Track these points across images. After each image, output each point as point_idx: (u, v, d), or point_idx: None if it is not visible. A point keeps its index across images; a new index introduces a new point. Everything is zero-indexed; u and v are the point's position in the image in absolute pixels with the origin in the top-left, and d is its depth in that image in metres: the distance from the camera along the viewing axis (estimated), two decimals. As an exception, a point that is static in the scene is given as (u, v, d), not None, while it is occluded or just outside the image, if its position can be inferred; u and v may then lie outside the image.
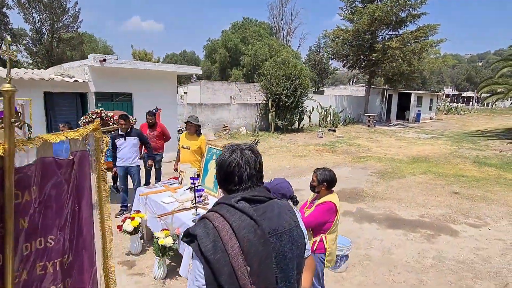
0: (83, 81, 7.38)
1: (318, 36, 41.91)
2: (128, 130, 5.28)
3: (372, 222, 5.55)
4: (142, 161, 5.87)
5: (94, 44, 41.81)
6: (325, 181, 2.73)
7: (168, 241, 3.52)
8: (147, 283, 3.61)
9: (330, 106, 20.87)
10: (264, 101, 17.37)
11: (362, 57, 22.47)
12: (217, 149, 4.38)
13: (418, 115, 25.61)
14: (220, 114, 15.75)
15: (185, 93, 26.40)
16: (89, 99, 7.92)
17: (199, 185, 4.18)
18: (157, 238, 3.56)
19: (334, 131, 18.05)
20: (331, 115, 20.62)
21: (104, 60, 7.39)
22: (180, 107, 14.35)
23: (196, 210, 3.41)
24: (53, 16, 34.57)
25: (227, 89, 25.31)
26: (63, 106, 7.26)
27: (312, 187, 2.82)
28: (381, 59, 20.39)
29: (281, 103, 16.31)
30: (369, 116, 20.95)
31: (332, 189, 2.83)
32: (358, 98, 24.67)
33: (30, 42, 34.13)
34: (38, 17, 34.62)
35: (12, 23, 34.33)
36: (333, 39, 22.19)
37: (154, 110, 9.03)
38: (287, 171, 8.91)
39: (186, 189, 4.04)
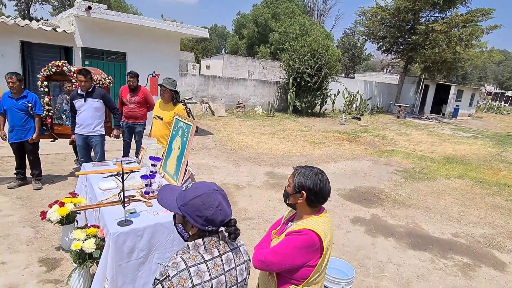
0: (64, 31, 6.35)
1: (354, 14, 39.02)
2: (90, 90, 4.21)
3: (389, 236, 4.29)
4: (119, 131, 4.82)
5: (122, 10, 41.14)
6: (305, 190, 1.51)
7: (88, 246, 2.46)
8: (58, 298, 2.60)
9: (358, 91, 19.05)
10: (284, 79, 15.90)
11: (400, 39, 20.21)
12: (185, 123, 3.22)
13: (456, 110, 23.17)
14: (235, 89, 14.52)
15: (208, 66, 25.32)
16: (75, 54, 6.92)
17: (152, 171, 3.06)
18: (73, 239, 2.51)
19: (359, 119, 16.40)
20: (358, 101, 18.84)
21: (89, 8, 6.29)
22: (191, 77, 13.25)
23: (124, 206, 2.30)
24: (82, -23, 33.89)
25: (251, 65, 23.93)
26: (43, 60, 6.30)
27: (286, 196, 1.62)
28: (421, 43, 18.15)
29: (303, 82, 14.80)
30: (400, 107, 19.00)
31: (322, 206, 1.61)
32: (390, 86, 22.53)
33: (58, 2, 33.89)
34: (68, -23, 34.20)
35: (42, -19, 34.13)
36: (370, 17, 20.00)
37: (152, 75, 7.96)
38: (294, 159, 7.67)
39: (112, 175, 2.81)
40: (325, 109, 17.23)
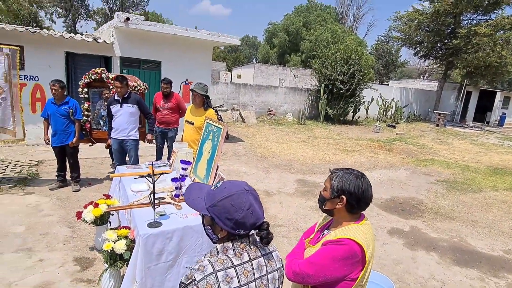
0: (104, 41, 6.70)
1: (389, 20, 38.02)
2: (126, 96, 4.34)
3: (431, 251, 3.96)
4: (148, 135, 4.94)
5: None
6: (345, 194, 1.38)
7: (119, 247, 2.47)
8: (89, 298, 2.63)
9: (393, 98, 18.33)
10: (316, 87, 15.68)
11: (439, 44, 19.26)
12: (216, 126, 3.20)
13: (503, 118, 21.56)
14: (265, 97, 14.52)
15: (239, 75, 25.68)
16: (114, 64, 7.27)
17: (183, 174, 3.06)
18: (105, 240, 2.53)
19: (394, 127, 15.72)
20: (393, 109, 18.11)
21: (128, 19, 6.59)
22: (222, 85, 13.45)
23: (154, 207, 2.29)
24: (123, -7, 36.10)
25: (282, 73, 23.93)
26: (86, 69, 6.65)
27: (322, 201, 1.49)
28: (463, 48, 17.15)
29: (335, 89, 14.50)
30: (439, 114, 18.00)
31: (362, 212, 1.47)
32: (428, 93, 21.47)
33: (101, 18, 36.18)
34: (112, -5, 36.49)
35: (88, 0, 36.71)
36: (406, 22, 19.30)
37: (185, 82, 8.15)
38: (326, 167, 7.43)
39: (143, 177, 2.80)
40: (358, 117, 16.73)
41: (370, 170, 7.53)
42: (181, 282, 1.03)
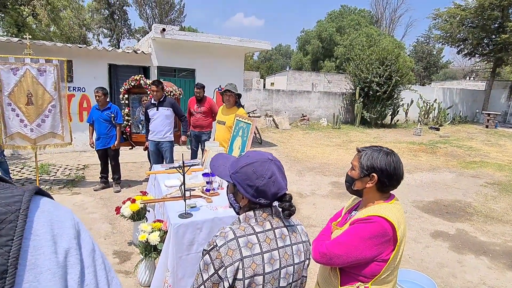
0: (142, 52, 7.09)
1: (428, 18, 36.41)
2: (161, 99, 4.54)
3: (481, 255, 3.63)
4: (183, 137, 5.11)
5: (194, 36, 44.84)
6: (376, 172, 1.31)
7: (153, 238, 2.56)
8: (127, 288, 2.73)
9: (435, 100, 17.33)
10: (350, 90, 15.29)
11: (485, 40, 17.99)
12: (245, 122, 3.23)
13: None
14: (299, 102, 14.43)
15: (272, 83, 25.85)
16: (152, 73, 7.66)
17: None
18: (140, 231, 2.63)
19: (438, 129, 14.82)
20: (435, 110, 17.10)
21: (164, 30, 6.94)
22: (255, 91, 13.59)
23: (184, 198, 2.34)
24: (161, 11, 38.26)
25: (315, 80, 23.73)
26: (126, 78, 7.10)
27: (349, 182, 1.43)
28: (513, 42, 15.89)
29: (371, 92, 14.04)
30: (488, 115, 16.69)
31: (392, 192, 1.39)
32: (475, 93, 20.02)
33: (142, 36, 38.45)
34: (150, 13, 38.82)
35: (130, 19, 39.31)
36: (447, 19, 18.31)
37: (218, 89, 8.36)
38: (364, 169, 7.16)
39: (174, 167, 2.84)
40: (397, 120, 16.00)
41: (411, 172, 7.13)
42: (203, 249, 1.03)
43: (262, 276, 1.00)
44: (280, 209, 1.12)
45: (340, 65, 32.74)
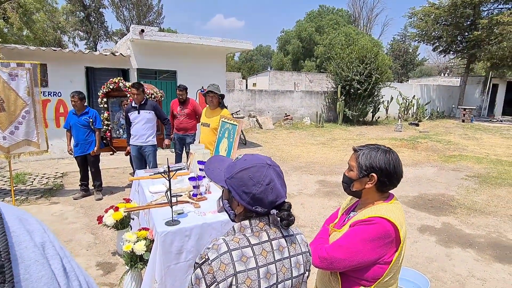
0: (121, 54, 6.88)
1: (404, 17, 37.40)
2: (143, 102, 4.39)
3: (467, 247, 3.70)
4: (166, 141, 4.96)
5: (174, 38, 44.24)
6: (375, 172, 1.27)
7: (138, 248, 2.43)
8: (111, 301, 2.59)
9: (414, 96, 17.78)
10: (332, 89, 15.46)
11: (459, 37, 18.62)
12: (231, 124, 3.15)
13: (534, 110, 20.40)
14: (281, 102, 14.44)
15: (254, 84, 25.82)
16: (131, 75, 7.44)
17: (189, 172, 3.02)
18: (124, 241, 2.50)
19: (417, 125, 15.20)
20: (414, 107, 17.55)
21: (142, 31, 6.75)
22: (238, 92, 13.51)
23: (171, 205, 2.24)
24: (139, 13, 37.55)
25: (297, 79, 23.85)
26: (105, 82, 6.87)
27: (347, 183, 1.38)
28: (485, 39, 16.50)
29: (352, 90, 14.23)
30: (464, 110, 17.28)
31: (390, 192, 1.36)
32: (451, 89, 20.70)
33: (120, 39, 37.61)
34: (128, 15, 38.02)
35: (106, 21, 38.35)
36: (422, 17, 18.83)
37: (200, 90, 8.23)
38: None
39: (159, 173, 2.76)
40: (378, 117, 16.31)
41: (395, 168, 7.23)
42: (195, 262, 0.95)
43: None
44: (278, 218, 1.04)
45: (321, 64, 33.16)
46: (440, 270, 3.20)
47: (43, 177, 5.75)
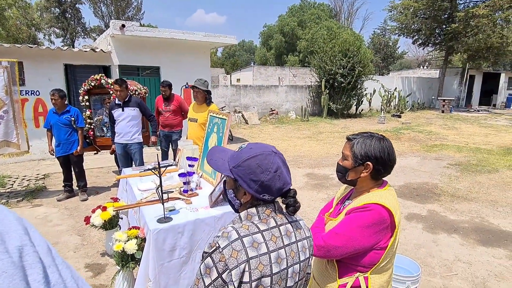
0: (101, 50, 6.67)
1: (384, 10, 37.98)
2: (126, 99, 4.28)
3: (452, 233, 3.81)
4: (153, 138, 4.86)
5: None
6: (371, 160, 1.27)
7: (129, 247, 2.38)
8: (103, 303, 2.53)
9: (395, 88, 18.15)
10: (316, 83, 15.57)
11: (437, 30, 19.10)
12: (220, 118, 3.11)
13: (509, 99, 21.24)
14: (267, 97, 14.44)
15: (238, 79, 25.69)
16: (113, 72, 7.24)
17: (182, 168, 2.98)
18: (114, 241, 2.44)
19: (399, 116, 15.53)
20: (396, 99, 17.92)
21: (123, 26, 6.57)
22: (223, 88, 13.41)
23: (162, 202, 2.19)
24: (118, 8, 36.55)
25: (281, 74, 23.90)
26: (85, 79, 6.67)
27: (342, 172, 1.38)
28: (462, 31, 16.98)
29: (336, 84, 14.38)
30: (443, 101, 17.77)
31: (384, 179, 1.37)
32: (431, 81, 21.24)
33: (98, 35, 36.54)
34: (106, 11, 36.97)
35: (84, 18, 37.14)
36: (402, 11, 19.17)
37: (185, 86, 8.11)
38: (334, 160, 7.29)
39: (149, 169, 2.71)
40: (362, 110, 16.57)
41: (380, 159, 7.38)
42: (204, 251, 0.94)
43: (269, 277, 0.93)
44: (284, 205, 1.04)
45: (304, 58, 33.33)
46: (428, 255, 3.29)
47: (23, 179, 5.54)
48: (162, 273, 2.14)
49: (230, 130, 9.77)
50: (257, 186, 0.97)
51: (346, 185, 1.47)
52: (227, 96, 13.33)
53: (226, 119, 2.99)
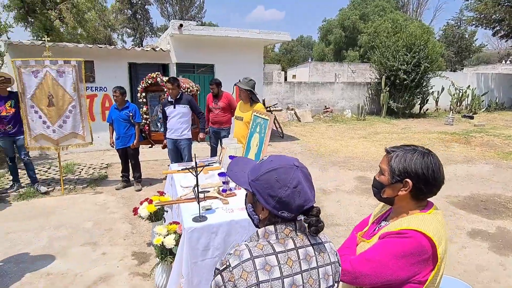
0: (161, 49, 7.06)
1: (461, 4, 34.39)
2: (178, 97, 4.46)
3: (527, 257, 3.28)
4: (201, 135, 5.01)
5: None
6: (411, 177, 1.11)
7: (168, 242, 2.47)
8: (143, 291, 2.67)
9: (469, 86, 16.29)
10: (376, 80, 14.67)
11: (524, 20, 16.68)
12: (262, 118, 3.06)
13: None
14: (321, 94, 14.03)
15: (294, 75, 25.42)
16: (171, 70, 7.64)
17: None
18: (155, 234, 2.56)
19: (472, 118, 13.93)
20: (469, 98, 16.09)
21: (181, 25, 6.87)
22: (276, 85, 13.35)
23: (198, 201, 2.22)
24: (182, 8, 38.56)
25: (339, 70, 23.04)
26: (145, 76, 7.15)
27: (377, 188, 1.23)
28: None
29: (398, 81, 13.39)
30: (529, 100, 15.49)
31: (429, 200, 1.18)
32: (513, 77, 18.65)
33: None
34: (171, 10, 39.25)
35: (151, 18, 39.88)
36: (481, -1, 17.11)
37: (237, 84, 8.22)
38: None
39: (186, 169, 2.72)
40: (427, 109, 15.21)
41: (444, 165, 6.67)
42: (216, 268, 0.90)
43: None
44: (306, 225, 0.95)
45: (364, 54, 31.65)
46: (492, 280, 2.88)
47: (89, 167, 6.15)
48: (195, 271, 2.17)
49: (281, 127, 9.69)
50: (275, 202, 0.90)
51: (383, 203, 1.31)
52: (280, 93, 13.25)
53: (268, 120, 2.94)
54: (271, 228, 0.93)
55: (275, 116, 10.08)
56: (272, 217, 0.94)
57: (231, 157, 3.10)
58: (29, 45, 6.35)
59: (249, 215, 1.03)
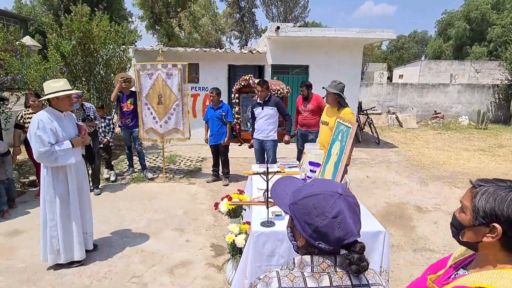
0: (257, 51, 7.33)
1: None
2: (267, 99, 4.57)
3: None
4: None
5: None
6: (500, 222, 0.86)
7: (239, 241, 2.57)
8: (215, 283, 2.83)
9: None
10: (506, 81, 12.18)
11: None
12: (345, 125, 2.87)
13: None
14: (431, 97, 12.42)
15: (401, 75, 23.22)
16: (266, 71, 7.87)
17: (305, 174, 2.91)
18: (228, 231, 2.68)
19: None
20: None
21: (278, 28, 6.99)
22: (376, 86, 12.40)
23: (267, 206, 2.23)
24: (286, 9, 39.43)
25: (458, 69, 19.99)
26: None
27: (456, 228, 1.00)
28: None
29: (538, 83, 10.83)
30: None
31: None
32: None
33: (267, 34, 40.40)
34: (276, 12, 40.55)
35: (257, 20, 41.89)
36: None
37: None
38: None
39: (257, 173, 2.68)
40: None
41: None
42: None
43: None
44: (347, 261, 0.85)
45: (494, 50, 26.62)
46: None
47: (188, 159, 6.86)
48: (259, 275, 2.19)
49: (377, 133, 8.98)
50: (311, 230, 0.83)
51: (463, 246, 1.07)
52: (381, 95, 12.27)
53: (351, 128, 2.74)
54: (307, 258, 0.85)
55: (371, 120, 9.38)
56: (309, 247, 0.86)
57: (311, 163, 3.02)
58: (150, 50, 7.43)
59: (289, 239, 0.97)
